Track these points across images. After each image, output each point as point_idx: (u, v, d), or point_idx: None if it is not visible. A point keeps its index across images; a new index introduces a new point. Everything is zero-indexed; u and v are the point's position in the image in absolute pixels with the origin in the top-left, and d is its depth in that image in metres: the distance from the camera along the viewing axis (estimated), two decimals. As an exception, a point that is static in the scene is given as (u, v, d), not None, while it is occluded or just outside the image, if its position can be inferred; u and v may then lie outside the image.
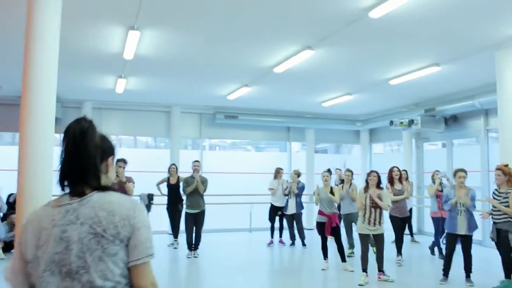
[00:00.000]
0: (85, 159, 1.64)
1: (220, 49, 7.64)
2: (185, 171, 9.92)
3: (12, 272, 1.64)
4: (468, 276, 6.94)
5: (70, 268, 1.53)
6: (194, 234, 9.12)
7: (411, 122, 11.13)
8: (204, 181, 9.13)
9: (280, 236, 10.82)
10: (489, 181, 10.51)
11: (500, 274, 6.71)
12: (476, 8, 5.91)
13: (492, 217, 6.60)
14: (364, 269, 7.03)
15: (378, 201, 6.93)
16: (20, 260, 1.62)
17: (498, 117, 7.50)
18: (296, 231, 10.46)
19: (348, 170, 9.49)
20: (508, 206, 6.34)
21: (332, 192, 8.03)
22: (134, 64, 8.31)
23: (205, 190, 9.12)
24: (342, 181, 11.45)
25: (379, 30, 6.58)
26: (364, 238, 7.09)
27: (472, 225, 6.94)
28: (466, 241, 6.98)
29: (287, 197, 10.44)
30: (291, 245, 10.49)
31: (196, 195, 9.06)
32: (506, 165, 6.59)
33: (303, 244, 10.36)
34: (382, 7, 5.58)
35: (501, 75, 7.39)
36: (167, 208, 10.14)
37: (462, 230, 6.90)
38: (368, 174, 7.22)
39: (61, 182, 1.66)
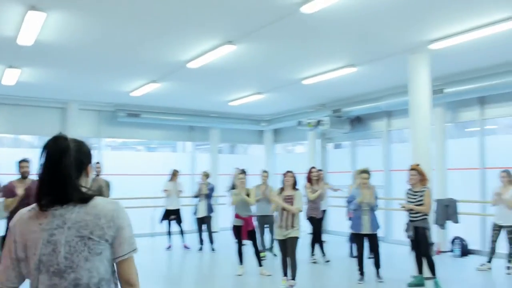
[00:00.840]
0: (63, 179, 1.74)
1: (130, 39, 6.88)
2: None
3: (5, 269, 1.73)
4: (377, 272, 7.12)
5: (58, 267, 1.67)
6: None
7: (318, 123, 11.22)
8: (108, 185, 8.33)
9: (183, 240, 10.31)
10: (391, 180, 10.96)
11: (408, 269, 7.08)
12: (397, 13, 5.94)
13: (409, 216, 6.74)
14: (285, 274, 6.81)
15: (286, 206, 6.61)
16: (11, 257, 1.73)
17: (410, 118, 7.70)
18: (203, 235, 10.06)
19: (265, 171, 9.26)
20: (422, 205, 6.53)
21: (248, 194, 7.71)
22: (31, 52, 7.24)
23: (109, 196, 8.33)
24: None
25: (306, 27, 6.37)
26: (280, 243, 6.79)
27: (376, 224, 7.12)
28: (373, 240, 7.15)
29: (197, 198, 9.97)
30: (199, 250, 10.00)
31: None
32: (418, 165, 6.79)
33: (212, 249, 9.94)
34: (315, 3, 5.36)
35: (414, 78, 7.62)
36: None
37: (367, 229, 7.06)
38: (284, 175, 6.91)
39: (40, 198, 1.74)
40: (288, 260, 6.70)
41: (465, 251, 9.02)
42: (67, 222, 1.69)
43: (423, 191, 6.58)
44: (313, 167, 8.85)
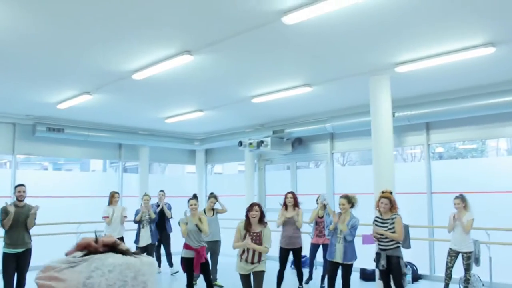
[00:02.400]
0: None
1: (69, 40, 5.80)
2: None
3: None
4: None
5: None
6: (16, 280, 6.98)
7: (260, 144, 10.72)
8: (34, 213, 7.13)
9: None
10: (334, 203, 10.66)
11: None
12: (363, 33, 5.63)
13: (379, 245, 6.39)
14: None
15: (254, 247, 5.84)
16: None
17: (372, 140, 7.43)
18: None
19: (212, 195, 8.50)
20: (394, 232, 6.23)
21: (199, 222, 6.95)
22: None
23: (34, 224, 7.13)
24: (157, 206, 10.32)
25: (270, 40, 5.83)
26: (244, 278, 6.00)
27: (349, 254, 6.69)
28: (344, 270, 6.73)
29: (138, 224, 8.93)
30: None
31: (19, 228, 6.97)
32: (391, 192, 6.50)
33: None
34: (296, 14, 4.85)
35: (376, 99, 7.39)
36: None
37: (339, 258, 6.68)
38: (249, 209, 6.03)
39: None
40: None
41: (416, 277, 8.87)
42: None
43: (393, 218, 6.29)
44: (289, 192, 8.21)
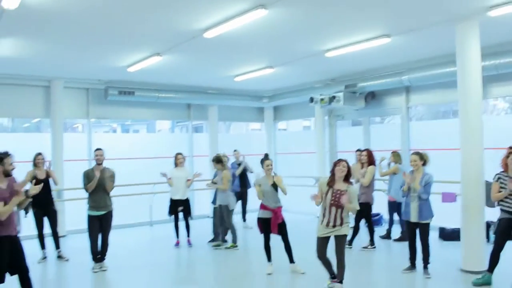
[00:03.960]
0: None
1: (138, 3, 5.68)
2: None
3: None
4: (425, 267, 6.52)
5: None
6: (100, 241, 7.22)
7: (332, 99, 10.33)
8: (112, 175, 7.25)
9: (188, 235, 9.03)
10: (408, 160, 10.19)
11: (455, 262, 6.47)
12: None
13: (504, 205, 5.84)
14: (331, 274, 5.92)
15: (346, 204, 5.47)
16: None
17: (459, 92, 6.83)
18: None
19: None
20: None
21: (274, 183, 6.77)
22: (14, 17, 5.96)
23: (113, 187, 7.28)
24: (238, 164, 10.48)
25: None
26: (322, 241, 5.67)
27: (425, 213, 6.40)
28: (421, 230, 6.48)
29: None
30: (212, 243, 8.90)
31: (101, 192, 7.13)
32: None
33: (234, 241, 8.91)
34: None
35: (463, 47, 6.75)
36: (34, 212, 7.75)
37: (414, 217, 6.43)
38: (336, 164, 5.69)
39: None
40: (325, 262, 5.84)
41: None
42: None
43: None
44: (358, 149, 8.11)
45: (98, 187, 7.09)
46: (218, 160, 8.66)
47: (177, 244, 8.98)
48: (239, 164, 10.65)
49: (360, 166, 8.53)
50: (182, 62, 8.94)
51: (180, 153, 9.20)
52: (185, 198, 8.95)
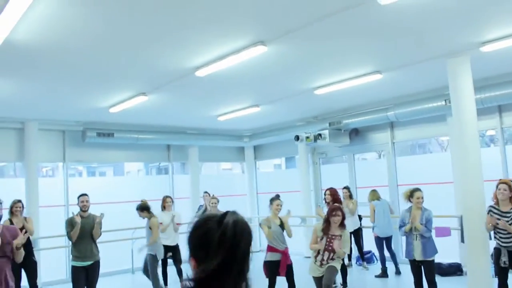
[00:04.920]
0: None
1: (124, 40, 5.42)
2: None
3: None
4: None
5: None
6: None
7: (318, 136, 10.23)
8: (99, 221, 6.78)
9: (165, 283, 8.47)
10: (398, 195, 10.12)
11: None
12: (446, 13, 5.06)
13: (499, 240, 5.80)
14: None
15: (337, 249, 5.91)
16: None
17: (454, 125, 6.86)
18: None
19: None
20: None
21: (281, 223, 6.56)
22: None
23: (100, 234, 6.81)
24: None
25: (358, 25, 5.34)
26: (317, 280, 6.01)
27: (429, 250, 6.27)
28: (427, 268, 6.30)
29: None
30: None
31: (87, 240, 6.63)
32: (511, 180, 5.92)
33: None
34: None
35: (455, 81, 6.81)
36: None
37: (418, 255, 6.27)
38: (332, 214, 5.94)
39: None
40: None
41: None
42: None
43: None
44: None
45: (84, 234, 6.60)
46: (142, 208, 7.88)
47: (164, 291, 8.46)
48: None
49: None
50: (167, 101, 8.67)
51: (168, 196, 8.87)
52: (175, 244, 8.50)
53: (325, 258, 5.94)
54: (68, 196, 10.11)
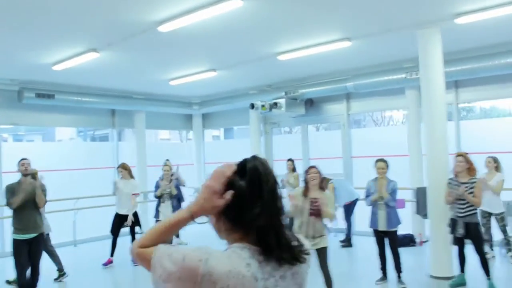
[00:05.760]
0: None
1: None
2: None
3: None
4: (399, 276, 6.32)
5: None
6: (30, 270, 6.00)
7: (273, 105, 9.93)
8: (43, 189, 6.09)
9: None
10: (352, 168, 10.12)
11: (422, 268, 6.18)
12: None
13: (456, 211, 5.86)
14: None
15: (324, 208, 5.18)
16: None
17: (423, 98, 6.77)
18: None
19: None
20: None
21: None
22: None
23: (45, 201, 6.11)
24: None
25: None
26: None
27: (394, 221, 6.31)
28: (390, 238, 6.33)
29: (159, 199, 8.02)
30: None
31: (30, 210, 5.89)
32: (466, 153, 5.98)
33: None
34: None
35: (426, 53, 6.71)
36: None
37: (382, 226, 6.28)
38: (307, 172, 5.43)
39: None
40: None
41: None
42: None
43: (473, 181, 5.73)
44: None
45: (27, 203, 5.88)
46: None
47: (108, 263, 7.94)
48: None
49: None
50: (119, 61, 7.96)
51: (122, 164, 8.25)
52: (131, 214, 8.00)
53: (311, 227, 5.19)
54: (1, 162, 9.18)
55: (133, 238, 8.03)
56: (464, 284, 6.01)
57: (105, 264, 7.94)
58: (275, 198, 1.32)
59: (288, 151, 11.00)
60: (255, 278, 1.22)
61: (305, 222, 5.24)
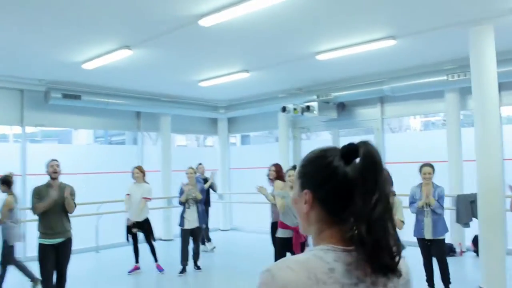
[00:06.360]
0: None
1: None
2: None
3: None
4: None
5: None
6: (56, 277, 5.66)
7: (305, 109, 9.57)
8: (72, 192, 5.76)
9: (155, 260, 7.79)
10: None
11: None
12: None
13: None
14: None
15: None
16: None
17: (474, 101, 6.39)
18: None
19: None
20: None
21: None
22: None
23: (75, 207, 5.78)
24: (205, 180, 9.31)
25: None
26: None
27: (440, 228, 5.89)
28: (437, 247, 5.93)
29: (184, 206, 7.68)
30: (181, 272, 7.55)
31: (59, 214, 5.53)
32: None
33: (198, 267, 7.80)
34: None
35: (478, 52, 6.32)
36: None
37: (428, 234, 5.87)
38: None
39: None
40: None
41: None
42: None
43: None
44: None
45: (55, 207, 5.56)
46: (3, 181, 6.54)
47: (135, 269, 7.65)
48: (205, 180, 9.42)
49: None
50: (152, 59, 7.66)
51: (138, 166, 7.97)
52: (141, 219, 7.69)
53: None
54: (26, 163, 8.93)
55: (151, 247, 7.74)
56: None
57: (131, 271, 7.65)
58: (388, 191, 1.16)
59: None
60: (340, 284, 1.09)
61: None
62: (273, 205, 7.04)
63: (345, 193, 1.14)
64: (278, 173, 7.30)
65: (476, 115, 6.38)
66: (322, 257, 1.10)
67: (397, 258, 1.12)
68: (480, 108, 6.31)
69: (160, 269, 7.72)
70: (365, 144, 1.19)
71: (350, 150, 1.18)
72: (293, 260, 1.10)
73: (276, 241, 6.93)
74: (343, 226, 1.14)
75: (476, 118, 6.38)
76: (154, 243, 7.78)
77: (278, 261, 1.10)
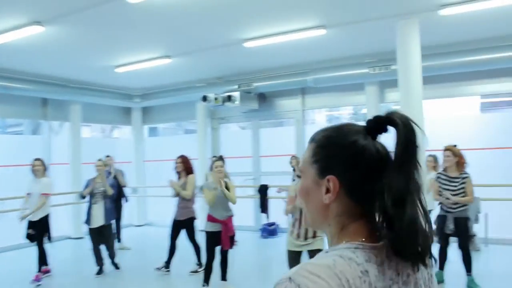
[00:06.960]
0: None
1: None
2: None
3: None
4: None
5: None
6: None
7: (227, 99, 9.31)
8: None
9: (38, 268, 6.74)
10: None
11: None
12: None
13: (445, 207, 5.62)
14: None
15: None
16: None
17: (400, 91, 6.61)
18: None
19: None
20: (464, 194, 5.46)
21: (227, 188, 5.62)
22: None
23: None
24: (109, 173, 8.64)
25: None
26: (295, 256, 4.65)
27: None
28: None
29: (90, 201, 6.95)
30: (97, 273, 6.89)
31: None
32: (455, 146, 5.75)
33: (116, 266, 7.20)
34: None
35: (404, 45, 6.53)
36: None
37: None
38: None
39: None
40: None
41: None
42: None
43: (464, 177, 5.50)
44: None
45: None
46: None
47: (44, 273, 6.79)
48: (110, 173, 8.60)
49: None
50: (65, 38, 6.90)
51: (38, 159, 6.96)
52: (37, 218, 6.66)
53: (303, 231, 4.63)
54: None
55: (40, 249, 6.71)
56: (442, 281, 5.76)
57: (36, 279, 6.68)
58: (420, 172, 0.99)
59: (236, 147, 10.51)
60: None
61: (297, 221, 4.67)
62: (182, 201, 6.71)
63: (377, 175, 0.96)
64: (185, 165, 6.92)
65: (401, 107, 6.54)
66: (352, 258, 0.92)
67: (430, 242, 0.97)
68: (405, 100, 6.50)
69: (36, 279, 6.57)
70: (396, 112, 1.02)
71: (378, 123, 1.01)
72: (317, 265, 0.91)
73: (174, 238, 6.79)
74: (370, 218, 0.99)
75: (401, 110, 6.54)
76: (44, 246, 6.73)
77: (299, 267, 0.91)
